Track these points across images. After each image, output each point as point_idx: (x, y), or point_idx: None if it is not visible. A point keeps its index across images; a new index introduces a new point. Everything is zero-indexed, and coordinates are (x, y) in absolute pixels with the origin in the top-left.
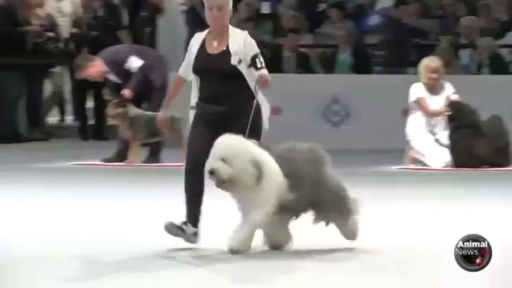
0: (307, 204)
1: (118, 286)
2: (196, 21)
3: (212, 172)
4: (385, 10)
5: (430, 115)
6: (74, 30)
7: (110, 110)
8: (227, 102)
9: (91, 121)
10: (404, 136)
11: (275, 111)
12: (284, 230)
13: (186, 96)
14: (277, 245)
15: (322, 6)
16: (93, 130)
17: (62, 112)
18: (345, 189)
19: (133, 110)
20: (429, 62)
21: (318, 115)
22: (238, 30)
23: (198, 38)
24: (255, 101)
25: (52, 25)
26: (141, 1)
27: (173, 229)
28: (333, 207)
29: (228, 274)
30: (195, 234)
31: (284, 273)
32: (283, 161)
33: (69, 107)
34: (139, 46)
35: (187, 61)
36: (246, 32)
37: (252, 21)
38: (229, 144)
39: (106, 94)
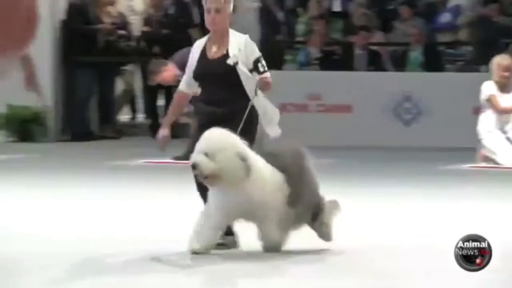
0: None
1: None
2: (268, 20)
3: (194, 167)
4: (474, 8)
5: (501, 112)
6: (145, 29)
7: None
8: (225, 106)
9: (162, 119)
10: (476, 134)
11: (345, 109)
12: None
13: None
14: (271, 247)
15: (393, 4)
16: None
17: (134, 110)
18: (318, 188)
19: None
20: (501, 60)
21: (389, 113)
22: (238, 34)
23: (198, 45)
24: (250, 103)
25: (123, 23)
26: None
27: (219, 248)
28: (311, 207)
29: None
30: (234, 240)
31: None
32: (268, 158)
33: (140, 105)
34: None
35: (188, 73)
36: (247, 36)
37: (323, 19)
38: (213, 138)
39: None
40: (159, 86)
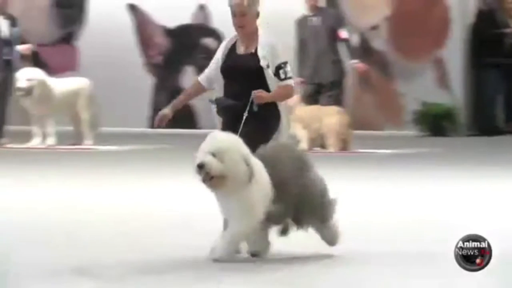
0: (292, 209)
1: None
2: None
3: (201, 166)
4: None
5: None
6: None
7: None
8: (246, 100)
9: None
10: None
11: None
12: (264, 237)
13: None
14: (257, 252)
15: None
16: None
17: None
18: (326, 191)
19: None
20: None
21: None
22: (268, 35)
23: (227, 42)
24: (244, 114)
25: None
26: None
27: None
28: (314, 211)
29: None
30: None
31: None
32: (267, 163)
33: None
34: None
35: (210, 67)
36: (275, 39)
37: None
38: (221, 139)
39: None
40: None
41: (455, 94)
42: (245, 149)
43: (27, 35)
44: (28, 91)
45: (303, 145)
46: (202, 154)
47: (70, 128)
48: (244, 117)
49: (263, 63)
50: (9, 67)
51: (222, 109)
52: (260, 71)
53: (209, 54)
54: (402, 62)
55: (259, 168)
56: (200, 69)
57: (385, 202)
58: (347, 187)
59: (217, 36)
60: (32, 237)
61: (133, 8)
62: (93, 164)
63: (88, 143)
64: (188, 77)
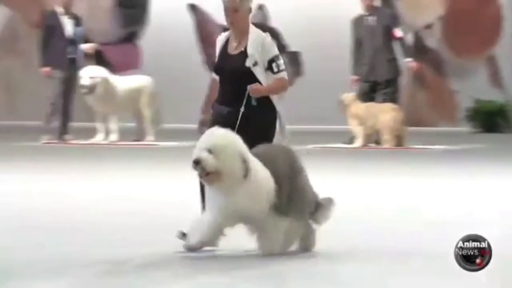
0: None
1: None
2: None
3: (197, 162)
4: None
5: None
6: None
7: None
8: (239, 104)
9: None
10: None
11: None
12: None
13: None
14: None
15: None
16: None
17: None
18: (310, 194)
19: None
20: None
21: None
22: (258, 32)
23: (222, 38)
24: (241, 109)
25: None
26: None
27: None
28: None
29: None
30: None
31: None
32: (261, 160)
33: None
34: None
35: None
36: (267, 34)
37: None
38: (218, 135)
39: None
40: None
41: (507, 91)
42: (241, 146)
43: (91, 34)
44: (92, 89)
45: (359, 141)
46: (199, 150)
47: (132, 124)
48: (241, 113)
49: (249, 62)
50: (74, 66)
51: (217, 116)
52: (248, 71)
53: None
54: (455, 60)
55: (256, 164)
56: None
57: (438, 196)
58: (402, 182)
59: (275, 35)
60: (97, 231)
61: (193, 7)
62: (154, 160)
63: (149, 139)
64: None
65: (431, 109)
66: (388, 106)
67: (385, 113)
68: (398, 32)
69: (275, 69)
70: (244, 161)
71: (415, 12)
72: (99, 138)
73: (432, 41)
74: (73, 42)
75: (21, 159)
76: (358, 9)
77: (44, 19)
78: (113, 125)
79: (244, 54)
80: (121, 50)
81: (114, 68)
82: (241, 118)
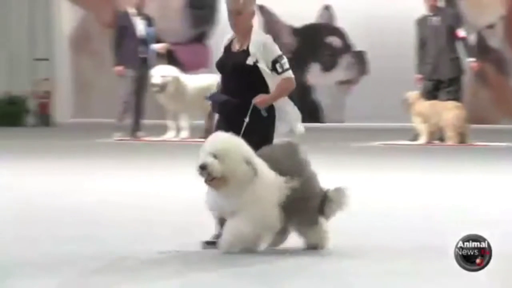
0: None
1: None
2: None
3: (203, 167)
4: None
5: None
6: None
7: None
8: (239, 97)
9: None
10: None
11: None
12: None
13: None
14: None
15: None
16: None
17: None
18: (317, 193)
19: None
20: None
21: None
22: (260, 33)
23: (227, 39)
24: (245, 120)
25: None
26: None
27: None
28: (301, 213)
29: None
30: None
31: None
32: (266, 160)
33: None
34: None
35: None
36: (268, 36)
37: None
38: (222, 140)
39: None
40: None
41: None
42: (246, 150)
43: (162, 34)
44: (163, 87)
45: (423, 138)
46: (204, 155)
47: (202, 122)
48: (245, 124)
49: (250, 60)
50: (145, 65)
51: (216, 105)
52: (250, 67)
53: (334, 52)
54: None
55: (262, 166)
56: (325, 66)
57: (501, 191)
58: (465, 178)
59: (341, 35)
60: (169, 226)
61: (261, 8)
62: None
63: None
64: (314, 74)
65: (494, 106)
66: (451, 104)
67: (448, 111)
68: (461, 32)
69: (279, 70)
70: (249, 163)
71: (477, 11)
72: (170, 135)
73: (495, 40)
74: (144, 42)
75: (95, 156)
76: (421, 8)
77: (117, 19)
78: (184, 122)
79: (246, 53)
80: (191, 50)
81: (184, 67)
82: (238, 109)
